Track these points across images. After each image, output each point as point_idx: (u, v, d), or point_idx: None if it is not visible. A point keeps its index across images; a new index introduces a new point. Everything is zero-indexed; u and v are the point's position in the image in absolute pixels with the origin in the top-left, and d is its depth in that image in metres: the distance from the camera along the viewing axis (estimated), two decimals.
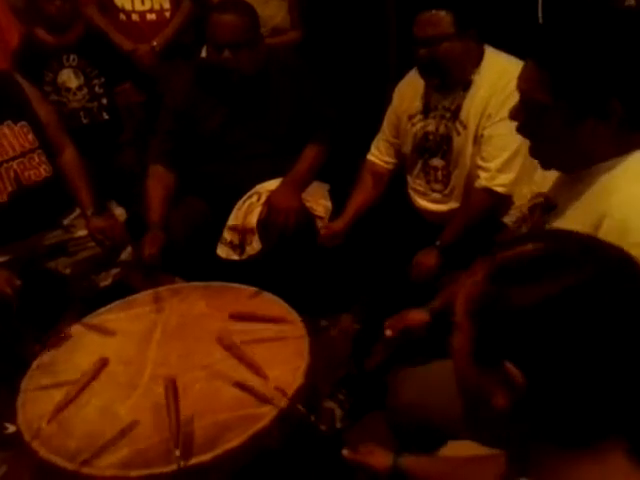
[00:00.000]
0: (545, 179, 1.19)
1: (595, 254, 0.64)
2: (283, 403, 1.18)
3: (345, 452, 1.16)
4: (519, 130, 1.09)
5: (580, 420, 0.62)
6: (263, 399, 1.19)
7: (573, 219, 1.05)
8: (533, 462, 0.64)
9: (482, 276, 0.66)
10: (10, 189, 2.00)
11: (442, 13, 1.69)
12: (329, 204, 2.17)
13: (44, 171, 2.06)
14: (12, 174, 2.01)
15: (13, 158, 2.01)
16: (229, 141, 2.11)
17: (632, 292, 0.62)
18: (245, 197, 2.08)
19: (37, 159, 2.05)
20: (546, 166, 1.14)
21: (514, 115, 1.08)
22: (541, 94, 1.02)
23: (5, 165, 2.00)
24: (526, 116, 1.06)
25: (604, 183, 1.02)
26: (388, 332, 1.52)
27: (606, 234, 0.97)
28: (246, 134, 2.10)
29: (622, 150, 1.02)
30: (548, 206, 1.15)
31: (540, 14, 2.16)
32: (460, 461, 1.05)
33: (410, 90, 1.92)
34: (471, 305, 0.67)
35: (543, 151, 1.10)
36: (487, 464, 0.87)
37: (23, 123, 2.03)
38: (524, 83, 1.05)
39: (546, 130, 1.05)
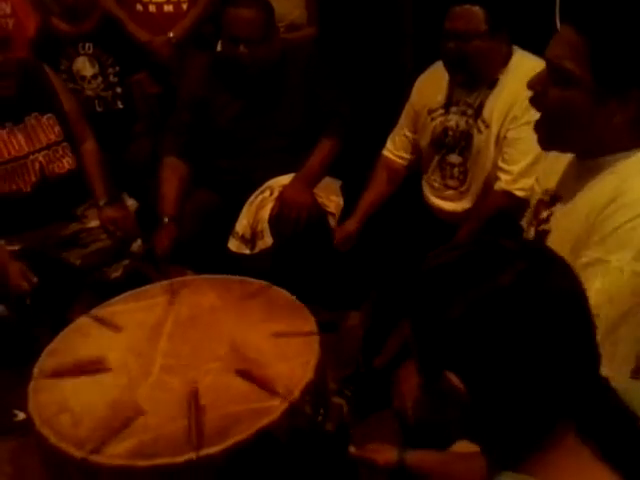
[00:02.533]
0: (549, 175, 1.14)
1: (518, 259, 0.65)
2: (292, 397, 1.18)
3: (352, 449, 1.16)
4: (532, 100, 1.01)
5: (526, 415, 0.64)
6: (272, 393, 1.19)
7: (580, 208, 1.01)
8: (505, 456, 0.66)
9: (415, 289, 0.69)
10: (34, 180, 2.02)
11: (476, 8, 1.67)
12: (341, 200, 2.16)
13: (67, 164, 2.09)
14: (37, 166, 2.03)
15: (39, 150, 2.03)
16: (243, 135, 2.11)
17: (554, 293, 0.63)
18: (258, 192, 2.08)
19: (61, 152, 2.07)
20: (549, 144, 1.06)
21: (534, 83, 1.00)
22: (571, 63, 0.94)
23: (31, 157, 2.02)
24: (547, 85, 0.98)
25: (616, 172, 0.97)
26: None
27: (613, 212, 0.94)
28: (260, 128, 2.10)
29: (636, 144, 0.97)
30: (551, 199, 1.11)
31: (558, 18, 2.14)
32: (464, 456, 1.04)
33: (432, 84, 1.91)
34: (411, 319, 0.69)
35: (552, 127, 1.02)
36: None
37: (50, 115, 2.05)
38: (557, 49, 0.97)
39: (564, 103, 0.97)
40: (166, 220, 2.05)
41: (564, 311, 0.63)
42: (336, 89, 2.15)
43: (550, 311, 0.62)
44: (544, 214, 1.11)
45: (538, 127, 1.04)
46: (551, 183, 1.12)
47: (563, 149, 1.06)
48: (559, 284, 0.64)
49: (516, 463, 0.64)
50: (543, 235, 1.09)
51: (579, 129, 0.99)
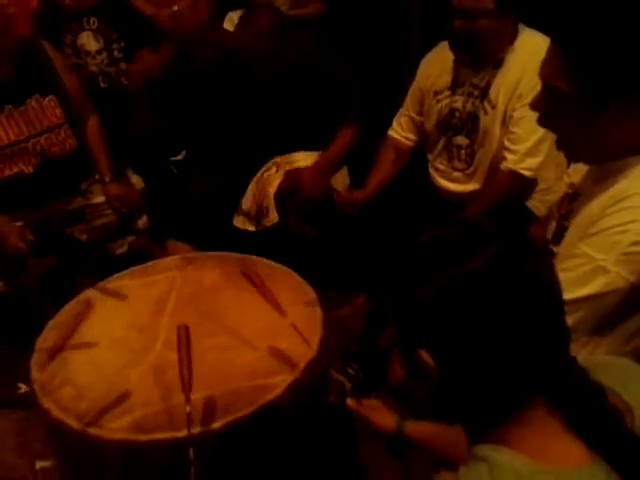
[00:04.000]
0: (577, 169, 1.15)
1: (493, 242, 0.66)
2: (295, 374, 1.18)
3: (349, 401, 1.17)
4: (540, 121, 1.03)
5: (493, 394, 0.67)
6: (275, 369, 1.19)
7: (592, 210, 1.02)
8: (476, 431, 0.70)
9: (394, 269, 0.71)
10: (35, 162, 2.01)
11: None
12: (347, 179, 2.15)
13: (69, 146, 2.08)
14: (39, 148, 2.02)
15: (40, 133, 2.02)
16: (251, 115, 2.09)
17: (525, 277, 0.65)
18: (264, 168, 2.07)
19: (63, 134, 2.06)
20: (572, 159, 1.10)
21: (535, 105, 1.02)
22: (563, 82, 0.96)
23: (32, 140, 2.01)
24: (548, 107, 1.00)
25: (629, 175, 0.98)
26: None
27: (613, 212, 0.96)
28: (268, 106, 2.08)
29: None
30: (574, 194, 1.12)
31: None
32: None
33: (437, 65, 1.88)
34: (390, 298, 0.71)
35: (568, 143, 1.05)
36: None
37: (51, 97, 2.03)
38: (546, 69, 1.00)
39: (569, 121, 0.99)
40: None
41: (534, 295, 0.65)
42: (350, 74, 2.11)
43: (520, 295, 0.64)
44: (565, 209, 1.13)
45: (558, 146, 1.07)
46: (577, 177, 1.14)
47: (587, 160, 1.08)
48: (531, 269, 0.66)
49: (486, 435, 0.68)
50: (563, 231, 1.11)
51: (590, 141, 1.00)
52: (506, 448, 0.65)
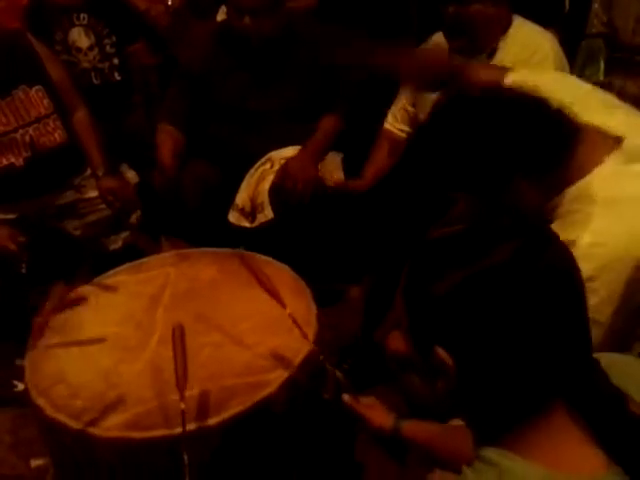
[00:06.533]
0: None
1: (513, 236, 0.64)
2: (290, 370, 1.18)
3: (346, 397, 1.16)
4: None
5: (513, 394, 0.64)
6: (270, 365, 1.19)
7: None
8: (490, 432, 0.66)
9: (409, 264, 0.68)
10: (25, 155, 1.99)
11: None
12: (341, 175, 2.14)
13: (59, 137, 2.05)
14: (28, 139, 2.00)
15: (29, 124, 2.00)
16: (245, 106, 2.08)
17: (545, 273, 0.62)
18: (258, 164, 2.06)
19: (52, 124, 2.04)
20: None
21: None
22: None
23: (21, 131, 1.99)
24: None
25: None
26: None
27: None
28: (263, 100, 2.07)
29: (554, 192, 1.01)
30: None
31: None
32: (460, 428, 1.04)
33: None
34: (402, 293, 0.68)
35: None
36: None
37: (38, 87, 2.01)
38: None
39: None
40: (166, 165, 2.04)
41: (557, 291, 0.62)
42: (343, 67, 2.10)
43: (543, 291, 0.62)
44: None
45: None
46: None
47: None
48: (553, 263, 0.63)
49: (498, 439, 0.65)
50: None
51: None
52: (518, 455, 0.63)
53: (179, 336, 1.17)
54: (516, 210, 1.01)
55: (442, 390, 0.66)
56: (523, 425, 0.64)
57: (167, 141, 2.09)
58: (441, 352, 0.64)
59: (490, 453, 0.64)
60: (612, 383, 0.64)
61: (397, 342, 0.70)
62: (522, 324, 0.61)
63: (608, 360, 0.68)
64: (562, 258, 0.65)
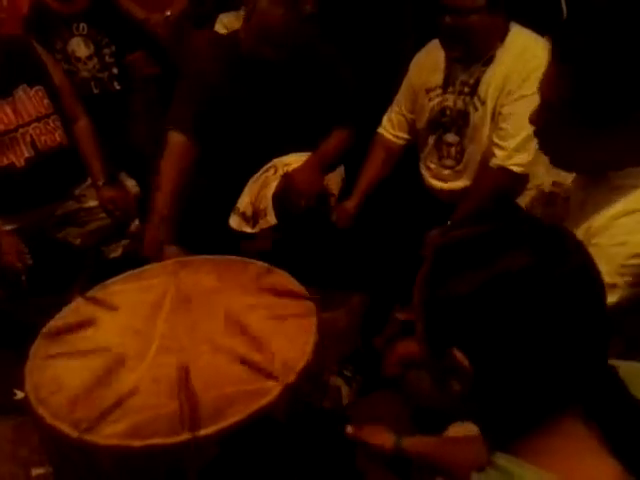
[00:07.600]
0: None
1: (535, 239, 0.63)
2: (290, 379, 1.18)
3: (349, 429, 1.17)
4: (536, 134, 1.04)
5: (529, 398, 0.63)
6: (269, 374, 1.19)
7: (594, 217, 1.02)
8: (504, 437, 0.65)
9: (427, 263, 0.67)
10: (27, 155, 2.00)
11: None
12: (340, 179, 2.15)
13: (59, 137, 2.06)
14: (28, 138, 2.01)
15: (29, 123, 2.01)
16: (251, 116, 2.07)
17: (567, 277, 0.61)
18: (261, 170, 2.06)
19: (52, 124, 2.05)
20: (567, 170, 1.11)
21: (533, 120, 1.03)
22: (563, 90, 0.96)
23: (21, 130, 2.00)
24: (545, 121, 1.01)
25: (624, 193, 0.99)
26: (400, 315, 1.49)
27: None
28: (269, 110, 2.06)
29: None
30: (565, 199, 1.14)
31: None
32: (460, 440, 1.04)
33: (429, 63, 1.88)
34: (419, 294, 0.68)
35: (564, 158, 1.05)
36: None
37: (39, 87, 2.02)
38: (545, 85, 1.00)
39: (564, 137, 1.00)
40: (156, 220, 1.90)
41: (577, 296, 0.62)
42: (350, 79, 2.09)
43: (564, 295, 0.61)
44: (547, 209, 1.17)
45: (543, 149, 1.07)
46: (565, 177, 1.16)
47: (569, 169, 1.10)
48: (573, 267, 0.62)
49: (512, 445, 0.64)
50: None
51: (582, 156, 1.01)
52: (531, 464, 0.61)
53: (184, 377, 1.17)
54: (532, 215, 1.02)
55: (456, 393, 0.65)
56: (537, 432, 0.63)
57: (169, 176, 1.95)
58: (458, 354, 0.63)
59: (503, 460, 0.63)
60: (630, 393, 0.63)
61: (409, 345, 0.70)
62: (541, 327, 0.61)
63: (627, 369, 0.67)
64: (580, 261, 0.64)
